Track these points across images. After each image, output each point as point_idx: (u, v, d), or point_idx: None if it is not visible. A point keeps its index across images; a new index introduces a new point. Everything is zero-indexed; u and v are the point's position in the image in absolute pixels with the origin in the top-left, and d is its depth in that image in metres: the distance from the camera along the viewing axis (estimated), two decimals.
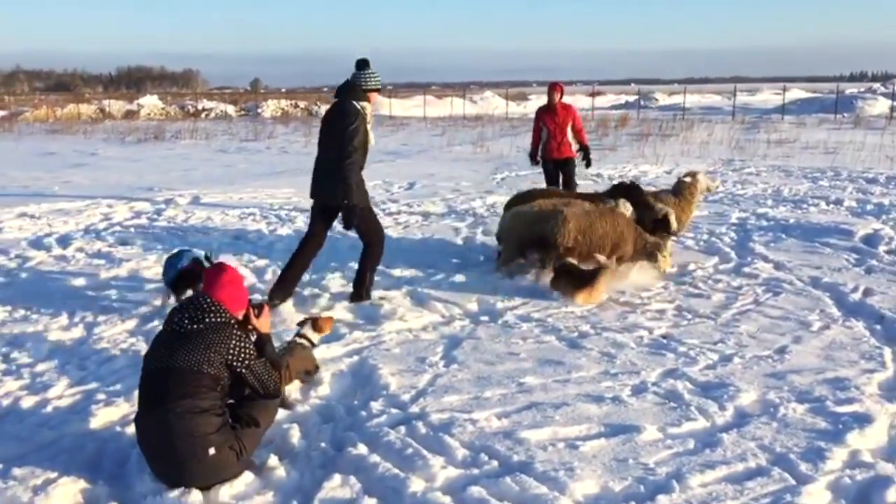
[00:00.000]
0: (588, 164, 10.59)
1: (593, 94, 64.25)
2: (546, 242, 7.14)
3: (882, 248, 8.47)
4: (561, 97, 10.38)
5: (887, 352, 5.38)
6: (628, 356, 5.30)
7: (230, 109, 54.65)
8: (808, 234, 9.41)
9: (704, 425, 4.25)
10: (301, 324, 5.07)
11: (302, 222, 10.34)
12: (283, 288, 6.47)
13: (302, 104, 56.82)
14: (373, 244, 6.58)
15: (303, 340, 4.91)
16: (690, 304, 6.57)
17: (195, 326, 3.52)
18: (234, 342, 3.53)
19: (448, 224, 10.29)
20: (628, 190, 8.09)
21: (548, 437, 4.07)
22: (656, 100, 64.00)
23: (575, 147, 10.31)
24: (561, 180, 10.35)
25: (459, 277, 7.42)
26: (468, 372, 5.00)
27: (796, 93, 66.55)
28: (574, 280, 6.65)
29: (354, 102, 6.27)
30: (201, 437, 3.38)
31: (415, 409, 4.39)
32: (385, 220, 10.57)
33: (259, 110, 54.06)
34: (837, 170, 16.41)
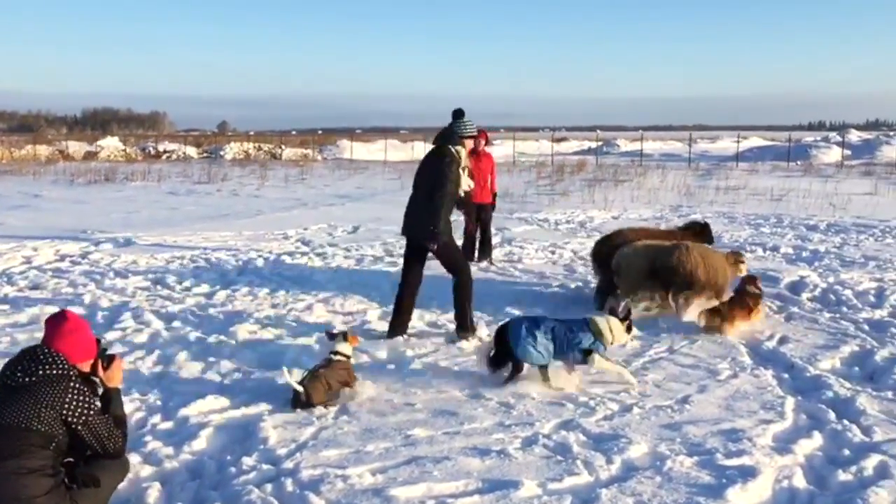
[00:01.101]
0: (492, 208, 11.07)
1: (556, 140, 65.04)
2: (671, 273, 7.41)
3: (805, 296, 8.47)
4: (486, 144, 10.63)
5: (789, 402, 5.30)
6: (527, 407, 5.16)
7: (192, 151, 54.41)
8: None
9: (587, 480, 4.11)
10: (332, 337, 5.47)
11: (230, 266, 10.16)
12: (402, 325, 6.94)
13: (266, 147, 56.74)
14: (461, 271, 6.94)
15: (339, 357, 5.28)
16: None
17: (27, 379, 3.31)
18: (70, 396, 3.33)
19: (379, 269, 10.15)
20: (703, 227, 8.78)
21: (421, 493, 3.90)
22: (618, 146, 64.97)
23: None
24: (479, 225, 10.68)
25: (376, 325, 7.27)
26: (356, 424, 4.82)
27: (755, 141, 68.00)
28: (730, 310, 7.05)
29: (451, 147, 6.77)
30: (27, 500, 3.16)
31: (288, 464, 4.20)
32: (316, 262, 10.43)
33: (222, 153, 53.86)
34: (781, 216, 16.60)
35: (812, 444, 4.62)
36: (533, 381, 5.62)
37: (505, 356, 5.61)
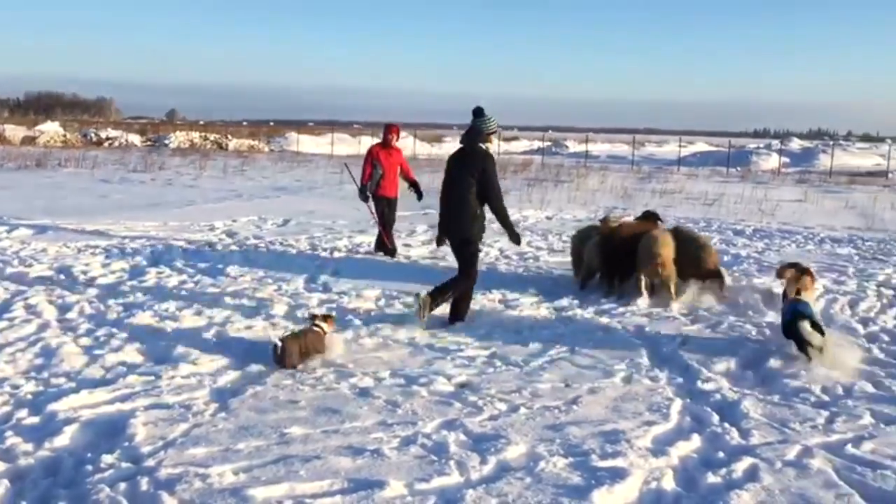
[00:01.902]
0: (420, 197, 11.31)
1: (506, 140, 65.32)
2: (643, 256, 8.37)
3: (711, 301, 8.56)
4: (397, 139, 11.10)
5: (677, 404, 5.32)
6: (414, 406, 5.10)
7: (136, 139, 53.31)
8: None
9: (457, 481, 4.05)
10: (313, 317, 6.28)
11: (144, 257, 9.91)
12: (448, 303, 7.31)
13: (213, 136, 55.88)
14: (468, 276, 7.27)
15: (317, 329, 6.12)
16: (506, 351, 6.45)
17: None
18: None
19: (298, 263, 10.00)
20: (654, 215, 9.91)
21: (281, 494, 3.80)
22: (567, 147, 65.56)
23: (405, 185, 11.18)
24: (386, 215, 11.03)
25: (282, 321, 7.14)
26: (233, 421, 4.70)
27: (700, 146, 69.25)
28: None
29: (481, 145, 7.15)
30: None
31: (150, 462, 4.07)
32: (234, 255, 10.25)
33: (166, 142, 52.92)
34: (711, 220, 16.84)
35: (689, 446, 4.64)
36: (425, 380, 5.56)
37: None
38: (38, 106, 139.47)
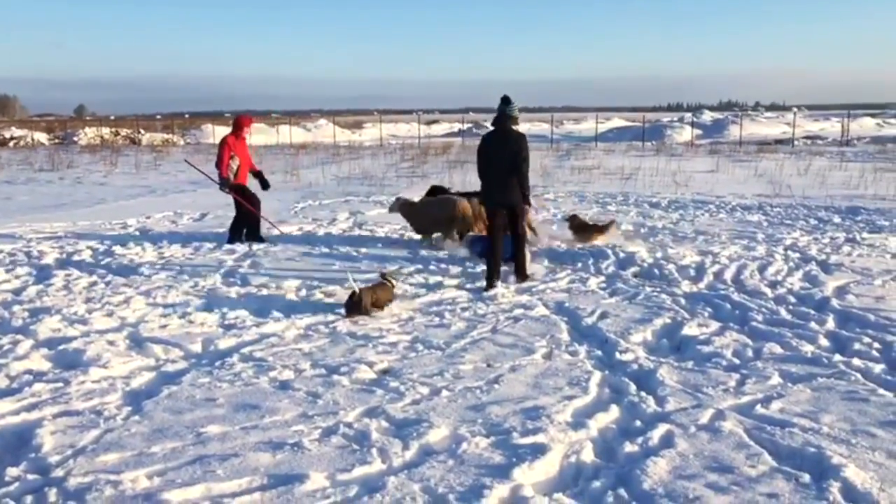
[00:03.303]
0: (266, 187, 11.68)
1: (427, 123, 65.19)
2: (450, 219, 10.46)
3: (631, 271, 8.75)
4: (248, 131, 11.42)
5: (596, 377, 5.41)
6: (335, 396, 5.04)
7: (42, 138, 51.29)
8: (574, 258, 9.61)
9: (379, 468, 4.03)
10: (383, 275, 7.40)
11: (52, 259, 9.54)
12: (497, 272, 8.20)
13: (125, 131, 54.16)
14: (523, 234, 8.42)
15: (387, 283, 7.28)
16: (428, 335, 6.44)
17: None
18: None
19: (214, 257, 9.78)
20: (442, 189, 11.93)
21: (197, 495, 3.71)
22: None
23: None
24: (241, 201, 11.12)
25: (197, 315, 6.98)
26: (147, 424, 4.56)
27: (616, 122, 70.49)
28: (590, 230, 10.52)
29: (514, 128, 8.16)
30: None
31: (59, 472, 3.91)
32: (148, 253, 9.96)
33: (75, 139, 51.10)
34: (628, 194, 17.17)
35: (608, 417, 4.72)
36: (347, 369, 5.52)
37: None
38: None
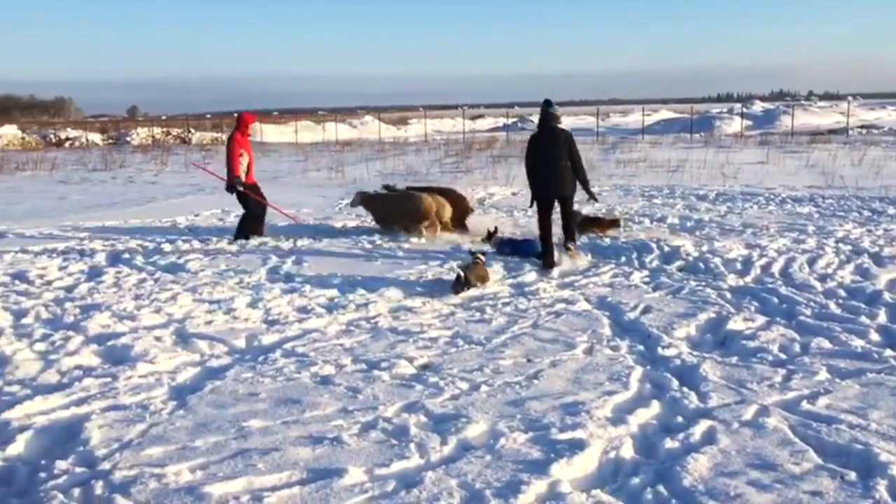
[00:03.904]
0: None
1: (472, 118, 65.17)
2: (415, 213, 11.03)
3: (675, 265, 8.64)
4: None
5: (637, 372, 5.36)
6: (375, 391, 5.08)
7: (97, 138, 52.54)
8: (617, 252, 9.53)
9: (417, 463, 4.05)
10: (473, 254, 8.24)
11: (103, 257, 9.77)
12: (553, 251, 8.90)
13: (175, 131, 55.19)
14: (574, 214, 9.34)
15: (479, 261, 8.00)
16: (468, 330, 6.44)
17: None
18: None
19: (260, 254, 9.90)
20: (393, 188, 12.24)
21: (238, 489, 3.77)
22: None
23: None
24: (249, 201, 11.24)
25: (242, 311, 7.08)
26: (191, 418, 4.65)
27: (664, 114, 69.52)
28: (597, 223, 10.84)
29: (560, 127, 9.12)
30: None
31: (105, 465, 4.01)
32: (196, 250, 10.13)
33: (128, 139, 52.22)
34: (674, 187, 16.94)
35: (649, 413, 4.67)
36: (387, 364, 5.55)
37: None
38: None
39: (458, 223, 11.52)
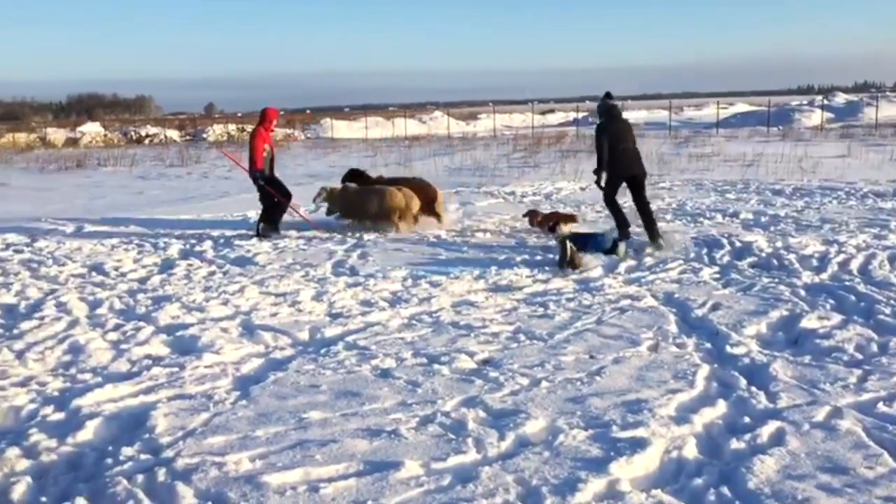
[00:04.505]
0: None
1: (542, 113, 64.73)
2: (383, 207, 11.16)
3: (747, 261, 8.39)
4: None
5: (703, 370, 5.21)
6: (434, 385, 5.06)
7: (175, 135, 54.04)
8: (685, 247, 9.31)
9: (474, 458, 4.02)
10: (564, 241, 8.55)
11: (176, 250, 10.03)
12: (627, 225, 9.73)
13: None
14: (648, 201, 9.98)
15: (570, 246, 8.42)
16: (531, 326, 6.38)
17: None
18: None
19: (326, 248, 10.02)
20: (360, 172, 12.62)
21: (295, 479, 3.80)
22: None
23: None
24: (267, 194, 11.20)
25: (306, 304, 7.17)
26: (253, 409, 4.72)
27: (740, 107, 67.78)
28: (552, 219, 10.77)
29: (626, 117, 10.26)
30: None
31: (169, 453, 4.10)
32: (266, 245, 10.31)
33: (204, 135, 53.53)
34: (749, 182, 16.48)
35: (714, 412, 4.53)
36: (447, 358, 5.53)
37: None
38: (80, 108, 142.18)
39: (428, 211, 11.63)
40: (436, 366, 5.43)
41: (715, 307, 6.74)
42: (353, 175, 12.42)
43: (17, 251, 10.15)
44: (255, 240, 10.71)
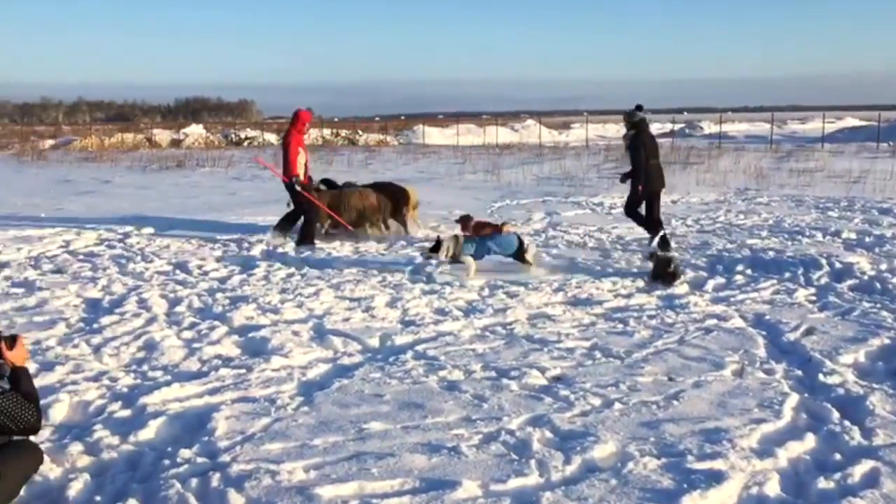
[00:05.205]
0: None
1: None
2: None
3: (847, 284, 7.86)
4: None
5: (792, 399, 4.85)
6: (501, 400, 4.87)
7: (272, 138, 55.42)
8: (780, 267, 8.83)
9: (536, 482, 3.81)
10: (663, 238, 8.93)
11: (258, 250, 10.15)
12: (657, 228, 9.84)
13: (344, 132, 57.31)
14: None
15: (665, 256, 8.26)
16: (608, 342, 6.11)
17: None
18: None
19: (406, 254, 9.95)
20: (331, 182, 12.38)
21: (348, 493, 3.68)
22: (701, 128, 62.89)
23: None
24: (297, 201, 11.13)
25: (380, 310, 7.09)
26: (314, 416, 4.63)
27: (849, 121, 64.90)
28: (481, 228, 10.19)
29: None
30: None
31: (225, 457, 4.04)
32: (345, 247, 10.32)
33: None
34: (853, 199, 15.62)
35: (802, 446, 4.19)
36: (517, 373, 5.33)
37: None
38: (187, 110, 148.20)
39: (397, 215, 11.84)
40: (504, 380, 5.23)
41: (809, 331, 6.31)
42: (325, 183, 12.28)
43: (109, 246, 10.48)
44: (308, 247, 10.44)
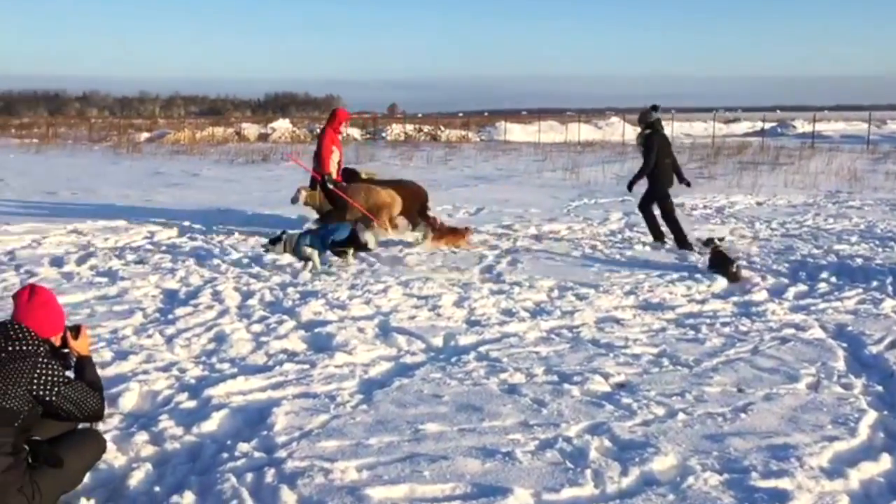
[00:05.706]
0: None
1: (726, 122, 61.89)
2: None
3: None
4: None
5: (869, 417, 4.61)
6: (561, 406, 4.79)
7: (356, 133, 56.19)
8: (868, 275, 8.44)
9: (590, 493, 3.73)
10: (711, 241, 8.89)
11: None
12: (662, 237, 10.64)
13: (426, 128, 57.63)
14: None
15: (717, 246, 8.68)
16: (677, 349, 5.94)
17: None
18: (38, 371, 3.36)
19: (478, 252, 9.90)
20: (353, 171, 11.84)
21: (398, 495, 3.68)
22: (794, 127, 60.69)
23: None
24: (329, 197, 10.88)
25: (446, 309, 7.07)
26: (372, 415, 4.64)
27: None
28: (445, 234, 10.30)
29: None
30: None
31: (281, 453, 4.09)
32: (418, 247, 10.34)
33: (384, 134, 55.28)
34: None
35: (877, 468, 3.98)
36: (580, 378, 5.23)
37: None
38: (276, 105, 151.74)
39: (420, 214, 11.35)
40: (566, 385, 5.15)
41: (893, 345, 6.00)
42: (347, 173, 11.62)
43: (190, 238, 10.78)
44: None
